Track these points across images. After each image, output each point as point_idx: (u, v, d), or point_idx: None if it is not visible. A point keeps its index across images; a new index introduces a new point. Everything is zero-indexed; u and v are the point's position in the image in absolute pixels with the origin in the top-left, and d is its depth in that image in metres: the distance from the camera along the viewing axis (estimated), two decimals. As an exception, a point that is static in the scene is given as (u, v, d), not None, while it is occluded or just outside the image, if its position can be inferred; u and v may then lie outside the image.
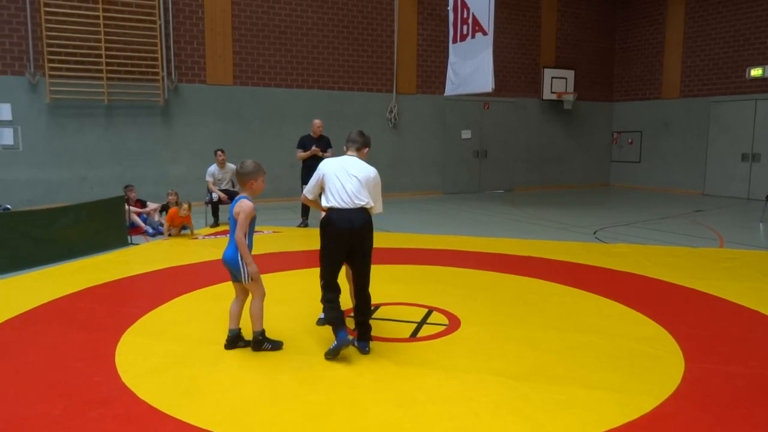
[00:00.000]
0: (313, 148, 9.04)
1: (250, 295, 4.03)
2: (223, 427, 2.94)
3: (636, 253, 7.23)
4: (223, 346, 4.04)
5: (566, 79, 15.59)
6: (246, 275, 3.87)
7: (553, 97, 15.47)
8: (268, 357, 3.89)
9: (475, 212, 11.43)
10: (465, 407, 3.17)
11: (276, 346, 3.99)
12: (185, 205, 8.34)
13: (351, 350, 3.97)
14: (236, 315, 4.05)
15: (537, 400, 3.24)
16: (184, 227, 8.53)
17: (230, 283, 5.75)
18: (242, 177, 3.96)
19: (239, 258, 3.85)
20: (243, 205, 3.84)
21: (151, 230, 8.68)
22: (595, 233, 8.90)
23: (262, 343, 3.96)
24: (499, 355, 3.93)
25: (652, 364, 3.79)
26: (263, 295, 4.01)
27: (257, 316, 3.96)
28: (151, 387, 3.39)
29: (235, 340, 4.03)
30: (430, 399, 3.27)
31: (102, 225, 7.52)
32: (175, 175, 11.56)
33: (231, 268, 3.93)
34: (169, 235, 8.29)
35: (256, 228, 9.43)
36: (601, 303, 5.18)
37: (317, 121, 9.31)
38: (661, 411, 3.13)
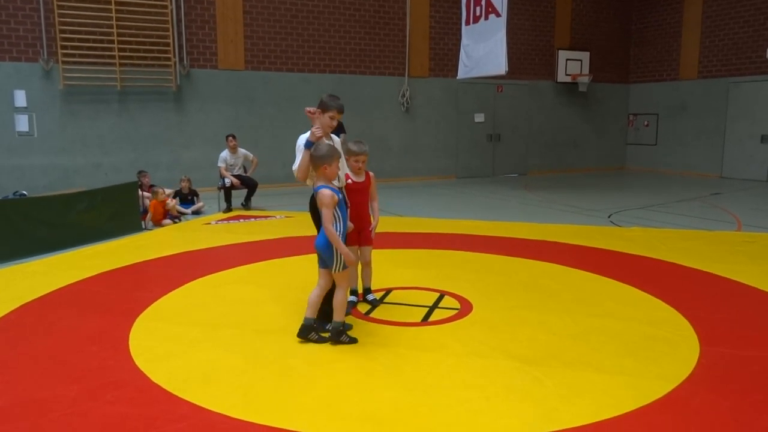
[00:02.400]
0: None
1: (335, 284, 3.88)
2: (236, 410, 2.96)
3: (651, 237, 7.15)
4: (237, 330, 4.06)
5: (581, 60, 15.36)
6: (339, 265, 3.74)
7: (568, 79, 15.26)
8: (281, 341, 3.90)
9: (489, 196, 11.36)
10: (476, 391, 3.16)
11: (353, 340, 3.82)
12: (160, 191, 8.32)
13: (361, 335, 3.98)
14: (315, 304, 3.89)
15: (549, 385, 3.22)
16: (174, 219, 8.47)
17: (243, 267, 5.84)
18: (315, 161, 3.74)
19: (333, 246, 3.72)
20: (322, 196, 3.68)
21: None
22: (609, 217, 8.81)
23: (341, 334, 3.80)
24: (512, 339, 3.91)
25: (666, 348, 3.75)
26: (348, 286, 3.93)
27: (340, 306, 3.83)
28: (165, 371, 3.42)
29: (309, 330, 3.85)
30: (441, 383, 3.27)
31: (116, 211, 7.57)
32: (188, 161, 11.61)
33: (323, 255, 3.79)
34: (160, 225, 8.23)
35: (269, 213, 9.41)
36: (616, 287, 5.13)
37: (327, 105, 9.25)
38: (676, 396, 3.10)
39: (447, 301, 4.75)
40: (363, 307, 4.57)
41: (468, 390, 3.18)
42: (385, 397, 3.11)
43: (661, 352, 3.68)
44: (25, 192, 9.59)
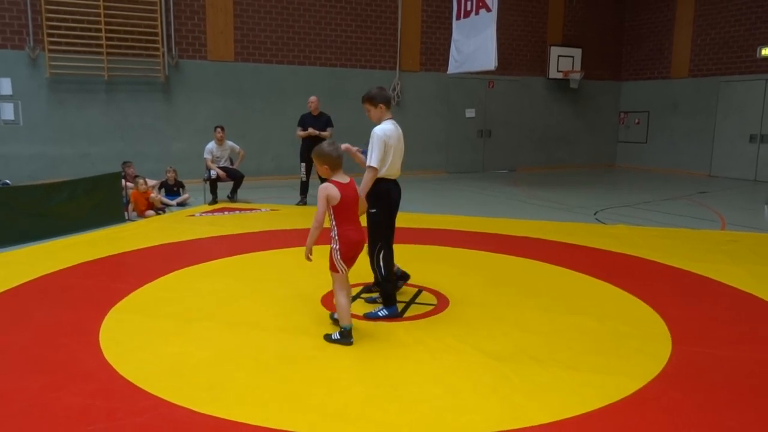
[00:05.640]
0: (310, 129, 8.99)
1: None
2: (200, 404, 2.93)
3: (635, 235, 7.15)
4: (209, 324, 4.04)
5: (573, 57, 15.33)
6: None
7: (560, 75, 15.24)
8: (253, 335, 3.88)
9: (477, 192, 11.34)
10: (445, 387, 3.15)
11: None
12: (141, 181, 8.27)
13: (336, 330, 3.97)
14: None
15: (517, 382, 3.21)
16: (158, 210, 8.43)
17: (223, 260, 5.80)
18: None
19: None
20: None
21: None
22: (595, 214, 8.81)
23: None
24: (485, 336, 3.89)
25: (638, 346, 3.74)
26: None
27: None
28: (133, 364, 3.39)
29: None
30: (410, 379, 3.25)
31: (98, 201, 7.49)
32: (176, 152, 11.52)
33: None
34: (146, 215, 8.19)
35: (254, 205, 9.35)
36: (595, 284, 5.13)
37: (313, 98, 9.21)
38: (643, 394, 3.09)
39: (424, 296, 4.73)
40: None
41: (436, 386, 3.17)
42: (353, 392, 3.10)
43: (632, 350, 3.68)
44: (8, 181, 9.50)
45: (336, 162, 3.73)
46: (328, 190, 3.66)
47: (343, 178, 3.76)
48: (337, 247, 3.72)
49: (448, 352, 3.63)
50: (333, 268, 3.77)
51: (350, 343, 3.71)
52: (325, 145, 3.79)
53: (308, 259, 3.77)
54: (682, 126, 14.87)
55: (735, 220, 8.41)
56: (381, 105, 4.33)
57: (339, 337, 3.75)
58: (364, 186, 4.13)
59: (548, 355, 3.57)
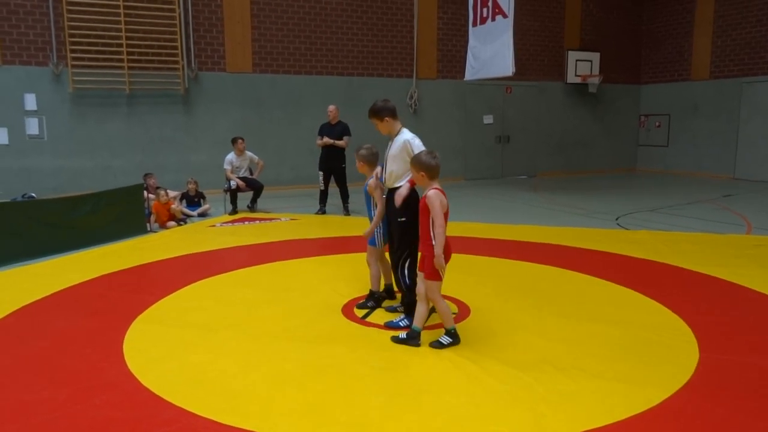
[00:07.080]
0: (324, 138, 9.09)
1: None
2: (223, 414, 2.94)
3: (657, 240, 7.05)
4: (233, 333, 4.07)
5: (591, 61, 15.23)
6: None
7: (578, 80, 15.14)
8: (275, 345, 3.89)
9: (496, 198, 11.29)
10: (466, 397, 3.12)
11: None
12: (163, 192, 8.35)
13: (356, 338, 3.96)
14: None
15: (541, 391, 3.17)
16: (179, 221, 8.51)
17: (244, 270, 5.83)
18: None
19: None
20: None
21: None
22: (617, 220, 8.70)
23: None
24: (507, 345, 3.86)
25: (664, 354, 3.68)
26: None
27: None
28: (156, 374, 3.41)
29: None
30: (431, 389, 3.23)
31: (121, 213, 7.60)
32: (196, 163, 11.65)
33: None
34: (162, 226, 8.27)
35: (274, 215, 9.40)
36: (617, 291, 5.06)
37: (331, 107, 9.27)
38: (670, 404, 3.03)
39: (445, 304, 4.70)
40: (360, 311, 4.54)
41: (458, 396, 3.14)
42: (374, 403, 3.08)
43: (658, 358, 3.61)
44: (33, 194, 9.70)
45: (434, 171, 3.78)
46: (441, 198, 3.71)
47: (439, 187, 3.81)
48: (440, 252, 3.69)
49: (469, 360, 3.59)
50: (434, 275, 3.75)
51: (458, 342, 3.82)
52: (423, 154, 3.84)
53: (443, 267, 3.74)
54: (704, 128, 14.65)
55: (761, 223, 8.25)
56: (387, 118, 4.32)
57: (449, 339, 3.82)
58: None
59: (572, 364, 3.52)
